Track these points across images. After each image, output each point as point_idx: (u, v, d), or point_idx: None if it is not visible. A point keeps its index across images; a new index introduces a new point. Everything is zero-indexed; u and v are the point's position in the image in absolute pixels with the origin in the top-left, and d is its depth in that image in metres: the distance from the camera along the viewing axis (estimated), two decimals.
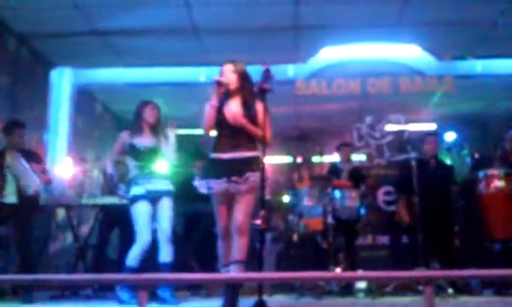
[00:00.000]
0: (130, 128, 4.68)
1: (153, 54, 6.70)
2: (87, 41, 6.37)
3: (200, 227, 5.71)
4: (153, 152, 4.61)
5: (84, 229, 5.92)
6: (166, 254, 4.50)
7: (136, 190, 4.55)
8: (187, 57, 6.71)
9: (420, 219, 5.30)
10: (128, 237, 5.51)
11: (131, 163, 4.68)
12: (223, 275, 3.73)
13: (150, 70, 7.08)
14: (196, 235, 5.73)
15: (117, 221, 5.69)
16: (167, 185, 4.66)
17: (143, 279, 2.66)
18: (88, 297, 5.07)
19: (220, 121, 3.84)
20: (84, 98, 7.42)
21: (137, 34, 6.30)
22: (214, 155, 3.84)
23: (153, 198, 4.56)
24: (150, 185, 4.55)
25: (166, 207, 4.59)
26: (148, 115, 4.67)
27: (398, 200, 5.83)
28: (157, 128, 4.69)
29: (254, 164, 3.77)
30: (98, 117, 8.16)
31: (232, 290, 3.66)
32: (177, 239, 5.11)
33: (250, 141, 3.84)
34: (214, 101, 3.81)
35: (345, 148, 6.22)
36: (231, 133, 3.82)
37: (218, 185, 3.74)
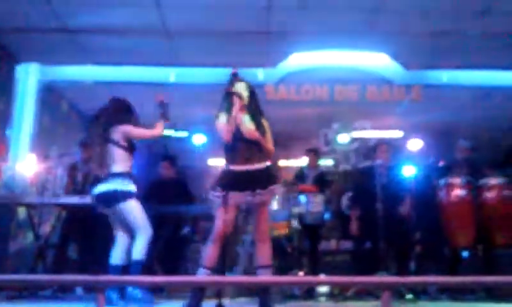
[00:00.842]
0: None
1: (122, 52, 6.63)
2: (55, 38, 6.27)
3: (164, 230, 5.67)
4: None
5: (46, 229, 5.81)
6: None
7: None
8: (157, 57, 6.67)
9: (380, 226, 5.40)
10: (91, 238, 5.48)
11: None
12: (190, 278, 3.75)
13: (119, 69, 7.00)
14: (161, 238, 5.68)
15: (80, 221, 5.60)
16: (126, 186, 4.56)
17: (103, 281, 2.63)
18: (47, 298, 4.97)
19: (235, 134, 4.05)
20: (50, 95, 7.28)
21: (106, 33, 6.23)
22: (233, 167, 4.01)
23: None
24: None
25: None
26: None
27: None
28: None
29: (273, 176, 4.07)
30: (63, 115, 8.03)
31: (200, 293, 3.77)
32: None
33: (261, 152, 4.07)
34: (237, 113, 4.03)
35: (312, 153, 6.27)
36: (245, 146, 4.03)
37: (244, 198, 3.93)
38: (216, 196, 3.95)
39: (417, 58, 6.59)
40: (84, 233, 5.62)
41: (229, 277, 3.66)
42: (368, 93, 6.79)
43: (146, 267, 4.47)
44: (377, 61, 6.72)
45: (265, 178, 4.01)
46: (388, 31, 5.96)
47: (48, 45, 6.43)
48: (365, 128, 6.95)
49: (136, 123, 4.74)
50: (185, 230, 6.07)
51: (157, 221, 5.76)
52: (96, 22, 5.97)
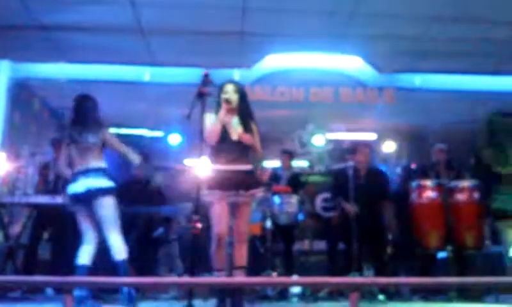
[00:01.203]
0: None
1: (96, 51, 6.55)
2: (28, 35, 6.15)
3: (136, 231, 5.63)
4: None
5: (16, 229, 5.71)
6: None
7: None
8: (131, 55, 6.60)
9: (357, 226, 5.47)
10: (63, 238, 5.40)
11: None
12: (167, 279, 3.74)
13: (93, 67, 6.90)
14: (132, 238, 5.63)
15: (51, 221, 5.53)
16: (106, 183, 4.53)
17: (69, 282, 2.60)
18: (16, 300, 4.89)
19: (222, 135, 4.11)
20: (21, 92, 7.16)
21: (80, 30, 6.14)
22: (218, 167, 4.07)
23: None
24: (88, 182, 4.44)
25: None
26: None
27: (338, 203, 5.94)
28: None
29: (256, 179, 4.15)
30: (35, 112, 7.90)
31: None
32: None
33: (246, 155, 4.14)
34: (223, 117, 4.09)
35: (285, 155, 6.31)
36: (231, 148, 4.10)
37: (228, 198, 3.98)
38: (203, 194, 4.01)
39: (390, 62, 6.66)
40: (56, 233, 5.54)
41: (201, 279, 3.66)
42: (343, 95, 6.85)
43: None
44: (351, 64, 6.78)
45: (248, 181, 4.06)
46: (361, 34, 6.02)
47: (20, 42, 6.30)
48: (339, 130, 7.01)
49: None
50: (158, 231, 6.04)
51: (128, 222, 5.74)
52: (69, 19, 5.88)
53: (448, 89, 7.18)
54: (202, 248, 4.26)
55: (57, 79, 7.03)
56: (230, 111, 4.14)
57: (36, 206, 5.41)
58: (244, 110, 4.22)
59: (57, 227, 5.48)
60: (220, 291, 3.99)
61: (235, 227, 3.99)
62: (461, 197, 5.42)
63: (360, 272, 5.37)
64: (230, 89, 4.18)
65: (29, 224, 5.57)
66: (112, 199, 4.41)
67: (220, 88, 4.20)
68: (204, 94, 3.92)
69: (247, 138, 4.12)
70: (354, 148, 5.99)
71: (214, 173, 4.08)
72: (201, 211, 4.08)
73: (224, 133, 4.12)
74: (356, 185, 5.48)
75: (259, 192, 4.17)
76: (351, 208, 5.50)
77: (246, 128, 4.17)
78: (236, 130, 4.15)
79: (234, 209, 4.01)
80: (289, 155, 6.37)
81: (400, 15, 5.58)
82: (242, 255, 4.08)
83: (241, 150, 4.11)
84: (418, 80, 7.05)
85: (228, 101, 4.11)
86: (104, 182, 4.39)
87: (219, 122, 4.08)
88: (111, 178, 4.49)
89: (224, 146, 4.10)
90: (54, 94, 7.76)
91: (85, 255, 4.33)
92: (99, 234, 4.39)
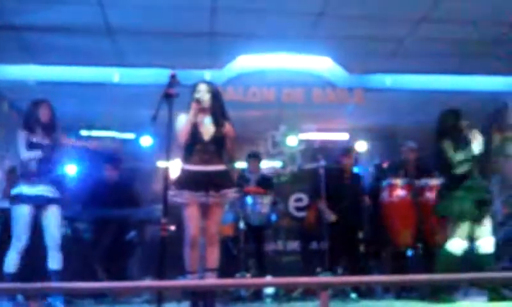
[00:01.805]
0: (23, 127, 4.52)
1: (65, 52, 6.43)
2: None
3: (108, 234, 5.56)
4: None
5: None
6: (55, 261, 4.36)
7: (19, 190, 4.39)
8: (100, 57, 6.51)
9: (330, 226, 5.52)
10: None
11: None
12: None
13: (62, 69, 6.80)
14: (104, 242, 5.57)
15: None
16: (54, 192, 4.50)
17: (31, 289, 2.55)
18: None
19: (193, 135, 4.07)
20: None
21: (48, 31, 6.04)
22: (188, 167, 4.03)
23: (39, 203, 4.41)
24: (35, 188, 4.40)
25: (53, 214, 4.45)
26: (42, 114, 4.56)
27: (313, 205, 5.99)
28: (49, 129, 4.57)
29: (229, 179, 4.13)
30: (4, 115, 7.73)
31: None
32: (84, 245, 4.94)
33: (219, 155, 4.12)
34: (192, 117, 4.06)
35: (254, 159, 6.30)
36: (203, 148, 4.06)
37: (197, 198, 3.94)
38: (171, 195, 3.94)
39: (360, 62, 6.73)
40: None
41: (172, 282, 3.63)
42: (314, 95, 6.89)
43: (88, 272, 4.40)
44: (321, 65, 6.83)
45: (220, 181, 4.03)
46: (331, 35, 6.06)
47: None
48: (310, 131, 7.06)
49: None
50: (131, 235, 5.97)
51: (100, 225, 5.67)
52: (37, 20, 5.77)
53: (418, 90, 7.28)
54: (171, 250, 4.22)
55: (26, 81, 6.91)
56: (202, 111, 4.11)
57: (3, 211, 5.29)
58: (217, 110, 4.19)
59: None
60: (193, 294, 3.97)
61: (206, 228, 3.97)
62: (430, 195, 5.49)
63: (332, 271, 5.41)
64: (202, 88, 4.17)
65: None
66: (58, 208, 4.43)
67: (193, 88, 4.19)
68: (171, 95, 3.87)
69: (229, 129, 4.13)
70: (348, 150, 6.11)
71: (184, 173, 4.03)
72: (171, 212, 4.02)
73: (196, 134, 4.09)
74: (340, 185, 5.56)
75: (231, 193, 4.12)
76: (330, 215, 5.60)
77: (218, 126, 4.14)
78: (208, 129, 4.12)
79: (205, 210, 3.98)
80: (256, 158, 6.35)
81: (369, 16, 5.64)
82: (214, 258, 4.05)
83: (214, 150, 4.09)
84: (388, 80, 7.13)
85: (198, 100, 4.09)
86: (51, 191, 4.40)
87: (188, 121, 4.05)
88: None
89: (196, 146, 4.07)
90: (23, 97, 7.59)
91: (13, 261, 4.30)
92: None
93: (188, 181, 3.99)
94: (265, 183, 6.11)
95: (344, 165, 5.96)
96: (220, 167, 4.08)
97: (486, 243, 4.59)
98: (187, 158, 4.08)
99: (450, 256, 4.55)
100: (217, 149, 4.11)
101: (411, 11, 5.57)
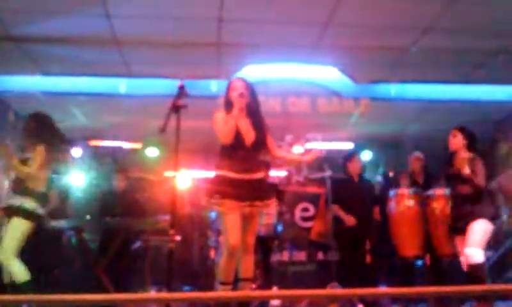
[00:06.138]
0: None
1: (72, 63, 6.47)
2: (2, 47, 6.05)
3: (114, 244, 5.55)
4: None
5: None
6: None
7: None
8: (107, 67, 6.54)
9: (337, 236, 5.49)
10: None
11: None
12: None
13: (69, 79, 6.83)
14: (111, 252, 5.56)
15: None
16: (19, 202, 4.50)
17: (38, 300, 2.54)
18: None
19: (235, 138, 3.78)
20: None
21: (55, 42, 6.07)
22: (231, 175, 3.75)
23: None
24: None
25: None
26: None
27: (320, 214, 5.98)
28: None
29: (270, 189, 3.95)
30: (10, 125, 7.77)
31: None
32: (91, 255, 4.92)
33: (260, 162, 3.89)
34: (237, 114, 3.77)
35: None
36: (246, 155, 3.79)
37: (241, 208, 3.70)
38: (213, 203, 3.73)
39: (365, 72, 6.73)
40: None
41: (179, 294, 3.62)
42: (320, 105, 6.90)
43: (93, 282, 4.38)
44: (326, 75, 6.83)
45: (264, 190, 3.83)
46: (337, 45, 6.07)
47: None
48: (316, 140, 7.03)
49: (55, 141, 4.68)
50: (136, 245, 5.96)
51: (106, 234, 5.67)
52: (45, 31, 5.80)
53: (423, 99, 7.28)
54: (179, 262, 4.20)
55: (33, 92, 6.94)
56: (241, 111, 3.79)
57: None
58: (257, 110, 3.94)
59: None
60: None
61: (244, 238, 3.77)
62: (437, 205, 5.45)
63: (339, 282, 5.38)
64: (239, 85, 3.90)
65: None
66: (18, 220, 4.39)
67: (227, 86, 3.95)
68: (179, 106, 3.75)
69: (277, 154, 4.07)
70: (352, 153, 6.08)
71: (225, 180, 3.74)
72: (177, 224, 3.99)
73: (238, 137, 3.78)
74: (351, 193, 5.55)
75: (274, 203, 3.96)
76: (350, 218, 5.58)
77: (259, 131, 3.87)
78: (249, 133, 3.82)
79: (247, 220, 3.78)
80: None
81: (374, 25, 5.64)
82: (250, 267, 3.87)
83: (256, 157, 3.85)
84: (393, 90, 7.14)
85: (242, 95, 3.79)
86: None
87: (234, 119, 3.74)
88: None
89: (238, 152, 3.79)
90: (30, 107, 7.63)
91: None
92: None
93: (231, 190, 3.70)
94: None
95: (350, 172, 5.90)
96: (261, 175, 3.84)
97: None
98: (227, 165, 3.78)
99: None
100: (258, 156, 3.88)
101: (416, 21, 5.57)
